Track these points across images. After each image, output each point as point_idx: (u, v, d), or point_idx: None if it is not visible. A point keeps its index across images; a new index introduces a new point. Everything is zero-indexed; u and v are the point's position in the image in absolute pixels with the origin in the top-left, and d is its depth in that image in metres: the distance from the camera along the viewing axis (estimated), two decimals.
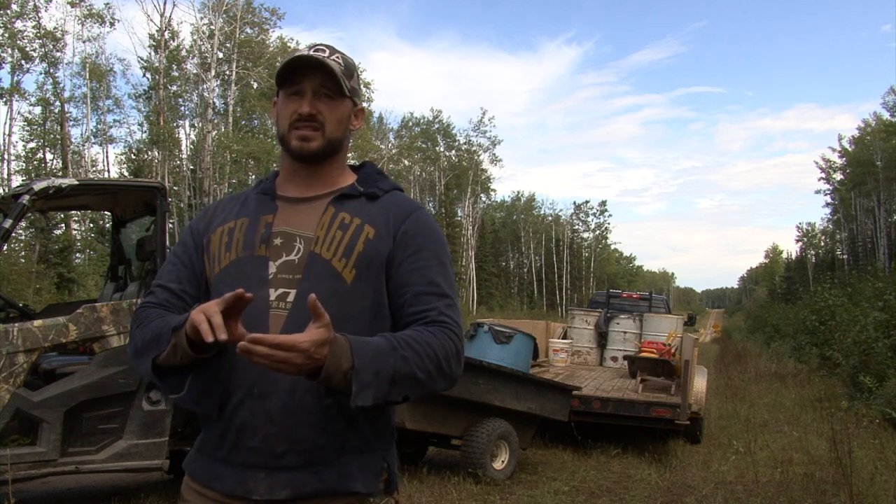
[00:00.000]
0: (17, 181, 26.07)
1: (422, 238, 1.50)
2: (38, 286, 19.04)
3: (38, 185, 4.61)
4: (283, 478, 1.39)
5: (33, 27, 28.00)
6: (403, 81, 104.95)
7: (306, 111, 1.47)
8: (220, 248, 1.51)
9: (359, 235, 1.47)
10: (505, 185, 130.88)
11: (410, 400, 1.39)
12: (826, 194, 60.60)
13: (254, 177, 30.76)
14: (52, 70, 29.11)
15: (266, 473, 1.40)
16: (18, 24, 27.37)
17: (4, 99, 27.78)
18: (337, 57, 1.51)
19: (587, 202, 71.49)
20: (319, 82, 1.48)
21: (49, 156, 29.91)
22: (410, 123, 50.22)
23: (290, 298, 1.43)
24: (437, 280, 1.47)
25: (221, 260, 1.50)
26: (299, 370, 1.25)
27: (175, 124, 32.40)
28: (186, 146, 33.61)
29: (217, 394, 1.42)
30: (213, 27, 30.12)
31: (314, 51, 1.50)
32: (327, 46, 1.52)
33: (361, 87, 1.61)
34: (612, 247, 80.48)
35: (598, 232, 71.81)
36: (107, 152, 33.77)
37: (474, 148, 51.89)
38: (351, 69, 1.53)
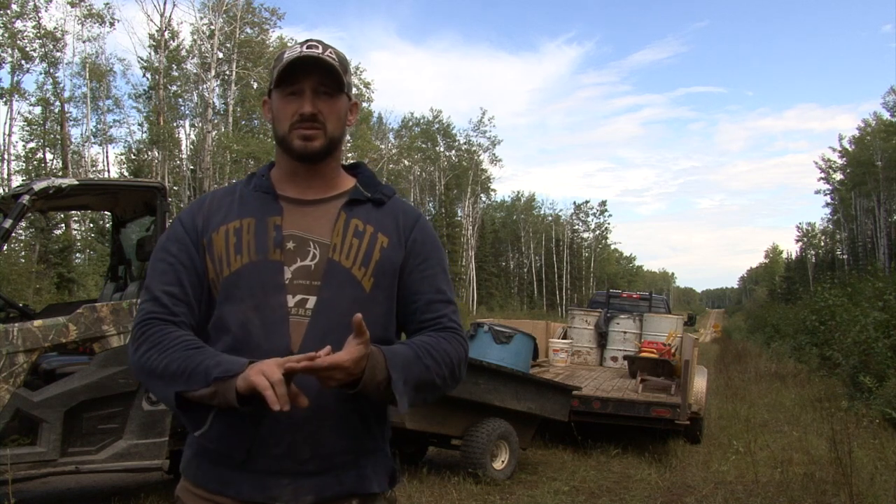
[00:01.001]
0: (17, 181, 26.11)
1: (429, 246, 1.56)
2: (38, 286, 19.02)
3: (38, 185, 4.61)
4: (307, 483, 1.40)
5: (33, 27, 28.08)
6: (403, 81, 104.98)
7: (308, 111, 1.46)
8: (228, 249, 1.45)
9: (374, 244, 1.49)
10: (505, 185, 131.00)
11: (426, 403, 1.46)
12: (826, 194, 60.75)
13: None
14: (52, 70, 29.19)
15: (290, 479, 1.40)
16: (18, 24, 27.45)
17: (4, 99, 27.83)
18: (331, 52, 1.49)
19: (587, 202, 71.55)
20: (318, 81, 1.47)
21: (49, 156, 30.01)
22: (410, 123, 50.26)
23: (310, 305, 1.43)
24: (444, 288, 1.55)
25: (231, 263, 1.45)
26: (338, 384, 1.29)
27: (175, 124, 32.47)
28: (186, 146, 33.70)
29: (245, 437, 1.39)
30: (213, 27, 30.12)
31: (307, 48, 1.48)
32: (319, 42, 1.50)
33: (353, 80, 1.62)
34: (612, 247, 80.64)
35: (598, 232, 71.93)
36: (107, 152, 33.87)
37: (474, 148, 51.94)
38: (345, 64, 1.52)
